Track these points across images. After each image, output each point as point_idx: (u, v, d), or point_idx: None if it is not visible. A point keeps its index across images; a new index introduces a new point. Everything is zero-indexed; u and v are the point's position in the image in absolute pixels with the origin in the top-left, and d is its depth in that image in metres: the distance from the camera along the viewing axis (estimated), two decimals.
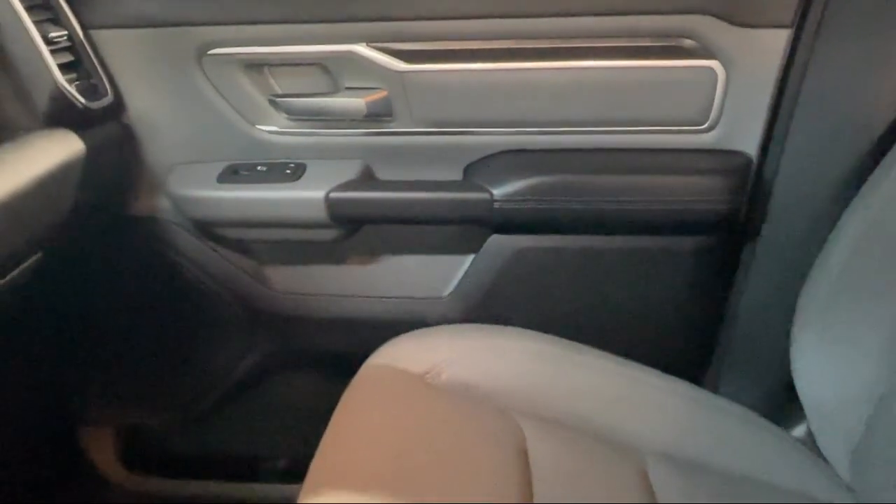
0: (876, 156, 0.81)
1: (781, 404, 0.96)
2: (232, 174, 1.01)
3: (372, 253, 1.11)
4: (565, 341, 0.93)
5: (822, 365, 0.86)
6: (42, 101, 0.83)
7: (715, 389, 1.03)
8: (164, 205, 1.05)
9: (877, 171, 0.80)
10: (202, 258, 1.09)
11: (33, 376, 1.12)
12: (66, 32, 0.88)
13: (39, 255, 0.83)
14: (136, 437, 1.25)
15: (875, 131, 0.84)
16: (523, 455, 0.77)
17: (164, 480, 1.25)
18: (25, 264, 0.79)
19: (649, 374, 0.92)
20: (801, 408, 0.89)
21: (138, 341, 1.19)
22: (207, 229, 1.06)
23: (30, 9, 0.83)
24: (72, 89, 0.86)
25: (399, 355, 0.88)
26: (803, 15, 0.86)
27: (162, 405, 1.20)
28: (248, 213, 1.02)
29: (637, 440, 0.83)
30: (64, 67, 0.86)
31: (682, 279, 1.02)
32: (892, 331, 0.77)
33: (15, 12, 0.81)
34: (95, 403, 1.21)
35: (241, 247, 1.11)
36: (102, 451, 1.22)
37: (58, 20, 0.88)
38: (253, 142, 1.02)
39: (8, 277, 0.76)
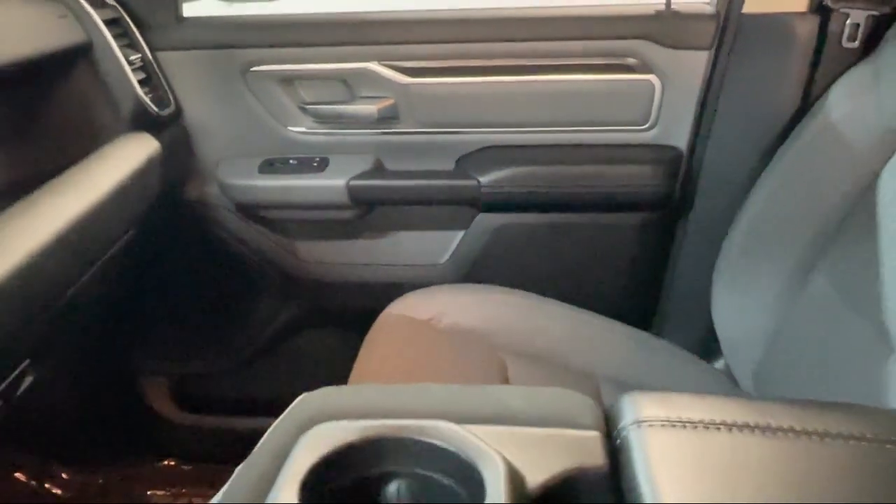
0: (776, 148, 1.01)
1: (707, 343, 1.16)
2: (269, 166, 1.18)
3: (383, 229, 1.27)
4: (537, 296, 1.11)
5: (732, 311, 1.05)
6: (127, 109, 1.01)
7: (658, 333, 1.22)
8: (213, 191, 1.21)
9: (773, 161, 1.00)
10: (243, 234, 1.25)
11: (103, 334, 1.27)
12: (140, 55, 1.06)
13: (132, 232, 1.00)
14: (187, 382, 1.39)
15: (775, 129, 1.03)
16: (505, 380, 0.97)
17: (210, 417, 1.36)
18: (123, 240, 0.97)
19: (604, 319, 1.11)
20: (719, 344, 1.09)
21: (190, 303, 1.34)
22: (248, 211, 1.23)
23: (115, 37, 1.01)
24: (147, 100, 1.03)
25: (408, 307, 1.07)
26: (720, 39, 1.06)
27: (209, 356, 1.35)
28: (282, 197, 1.19)
29: (592, 368, 1.02)
30: (140, 83, 1.04)
31: (630, 247, 1.20)
32: (783, 283, 0.97)
33: (106, 41, 0.98)
34: (153, 356, 1.36)
35: (276, 225, 1.26)
36: (158, 395, 1.36)
37: (133, 45, 1.06)
38: (286, 140, 1.19)
39: (111, 251, 0.94)
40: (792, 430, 0.44)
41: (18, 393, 0.74)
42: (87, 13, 0.96)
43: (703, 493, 0.39)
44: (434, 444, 0.42)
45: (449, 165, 1.19)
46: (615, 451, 0.44)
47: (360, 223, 1.25)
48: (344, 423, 0.43)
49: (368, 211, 1.23)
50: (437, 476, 0.42)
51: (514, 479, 0.40)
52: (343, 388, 0.50)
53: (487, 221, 1.22)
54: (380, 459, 0.42)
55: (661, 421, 0.44)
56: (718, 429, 0.44)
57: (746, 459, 0.42)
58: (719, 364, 1.14)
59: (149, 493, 1.31)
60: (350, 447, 0.41)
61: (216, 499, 0.41)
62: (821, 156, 0.94)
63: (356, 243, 1.28)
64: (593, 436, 0.45)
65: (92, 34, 0.97)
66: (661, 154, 1.14)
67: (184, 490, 1.32)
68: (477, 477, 0.39)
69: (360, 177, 1.17)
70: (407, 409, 0.46)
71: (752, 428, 0.44)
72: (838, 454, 0.43)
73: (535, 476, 0.41)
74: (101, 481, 1.32)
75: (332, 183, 1.17)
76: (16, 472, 1.23)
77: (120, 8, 1.05)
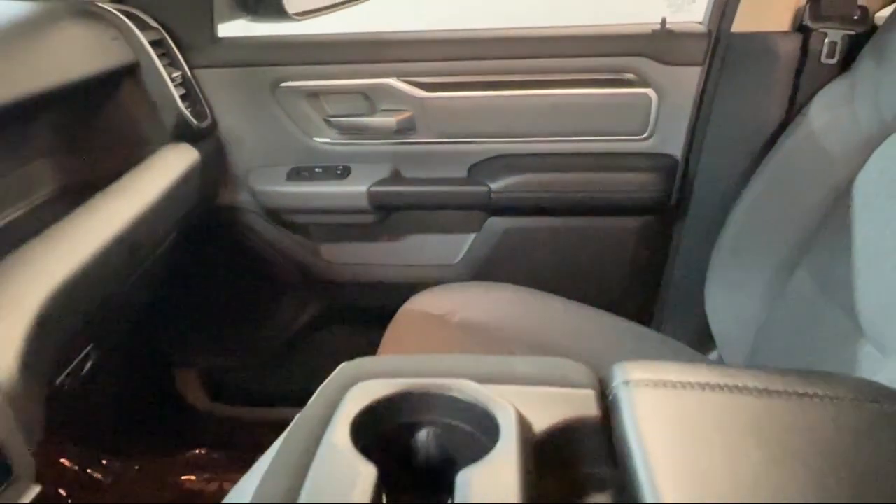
0: (763, 156, 1.08)
1: (701, 336, 1.23)
2: (296, 174, 1.27)
3: (400, 232, 1.35)
4: (543, 293, 1.19)
5: (725, 306, 1.13)
6: (170, 122, 1.10)
7: (657, 328, 1.30)
8: (244, 198, 1.30)
9: (760, 168, 1.08)
10: (271, 237, 1.33)
11: (142, 328, 1.36)
12: (180, 72, 1.15)
13: (175, 234, 1.09)
14: (218, 375, 1.47)
15: (762, 138, 1.11)
16: None
17: (239, 408, 1.45)
18: (168, 241, 1.05)
19: (605, 315, 1.18)
20: (713, 338, 1.16)
21: (221, 301, 1.41)
22: (276, 215, 1.31)
23: (159, 56, 1.10)
24: (188, 113, 1.12)
25: (424, 304, 1.15)
26: (711, 56, 1.14)
27: (238, 350, 1.43)
28: (308, 203, 1.28)
29: (594, 360, 1.10)
30: (181, 98, 1.13)
31: (630, 248, 1.28)
32: (770, 280, 1.05)
33: (152, 60, 1.07)
34: (186, 350, 1.44)
35: (301, 228, 1.35)
36: (191, 387, 1.45)
37: (174, 63, 1.15)
38: (311, 150, 1.27)
39: (159, 251, 1.02)
40: (765, 390, 0.52)
41: (83, 373, 0.83)
42: (136, 35, 1.05)
43: (681, 440, 0.47)
44: (457, 396, 0.50)
45: (462, 173, 1.27)
46: (607, 406, 0.52)
47: (379, 227, 1.33)
48: (382, 381, 0.51)
49: (387, 215, 1.31)
50: (459, 424, 0.50)
51: (524, 424, 0.48)
52: (377, 357, 0.58)
53: (497, 224, 1.30)
54: (411, 411, 0.50)
55: (647, 382, 0.52)
56: (695, 388, 0.52)
57: (720, 413, 0.50)
58: (713, 355, 1.21)
59: (182, 478, 1.39)
60: (387, 399, 0.49)
61: (278, 441, 0.50)
62: (802, 163, 1.01)
63: (375, 245, 1.36)
64: (589, 393, 0.53)
65: (139, 54, 1.06)
66: (657, 162, 1.22)
67: (214, 476, 1.40)
68: (493, 423, 0.47)
69: (379, 183, 1.25)
70: (433, 372, 0.54)
71: (725, 387, 0.52)
72: (810, 410, 0.51)
73: (541, 423, 0.49)
74: (137, 467, 1.40)
75: (353, 189, 1.25)
76: (61, 458, 1.31)
77: (162, 30, 1.14)
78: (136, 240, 0.86)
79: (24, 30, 0.86)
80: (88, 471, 1.35)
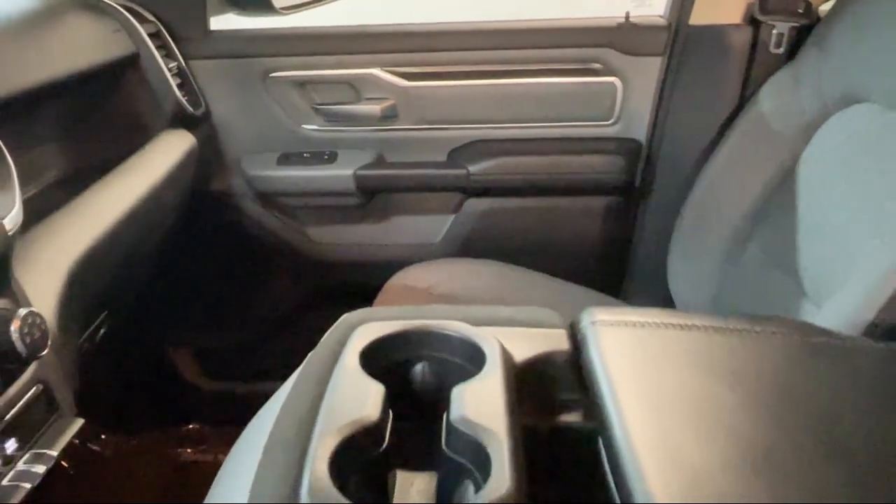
0: (719, 139, 1.16)
1: (665, 306, 1.31)
2: (285, 159, 1.33)
3: (384, 213, 1.42)
4: (518, 267, 1.26)
5: (685, 277, 1.21)
6: (168, 109, 1.16)
7: (625, 299, 1.38)
8: (236, 182, 1.36)
9: (717, 149, 1.16)
10: (263, 220, 1.39)
11: (137, 309, 1.41)
12: (175, 63, 1.21)
13: (173, 216, 1.15)
14: (212, 353, 1.52)
15: (718, 123, 1.19)
16: None
17: (232, 383, 1.50)
18: (170, 222, 1.11)
19: (575, 287, 1.26)
20: (675, 307, 1.25)
21: (215, 281, 1.47)
22: (267, 199, 1.37)
23: (156, 48, 1.16)
24: (184, 101, 1.18)
25: (409, 279, 1.23)
26: (671, 47, 1.22)
27: (231, 329, 1.48)
28: (297, 186, 1.34)
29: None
30: (177, 87, 1.19)
31: (599, 226, 1.36)
32: (725, 252, 1.13)
33: (151, 51, 1.13)
34: (182, 329, 1.49)
35: (291, 211, 1.41)
36: (186, 364, 1.50)
37: (170, 54, 1.21)
38: (300, 137, 1.34)
39: (159, 232, 1.08)
40: (713, 327, 0.60)
41: (97, 339, 0.89)
42: (136, 28, 1.11)
43: (640, 368, 0.55)
44: (449, 334, 0.57)
45: (441, 157, 1.35)
46: (577, 343, 0.60)
47: (364, 208, 1.40)
48: (384, 322, 0.59)
49: (372, 197, 1.38)
50: (451, 357, 0.57)
51: (506, 355, 0.56)
52: (375, 308, 0.66)
53: (475, 205, 1.37)
54: (410, 347, 0.58)
55: (611, 322, 0.60)
56: (653, 326, 0.60)
57: (674, 346, 0.58)
58: None
59: (178, 450, 1.45)
60: (389, 337, 0.57)
61: (294, 374, 0.57)
62: (754, 145, 1.10)
63: (361, 226, 1.42)
64: (562, 332, 0.61)
65: (139, 46, 1.12)
66: (623, 145, 1.31)
67: (209, 448, 1.46)
68: (480, 355, 0.55)
69: (364, 168, 1.32)
70: (427, 317, 0.62)
71: (679, 326, 0.61)
72: (749, 342, 0.59)
73: (520, 355, 0.57)
74: (135, 442, 1.45)
75: (340, 173, 1.32)
76: None
77: (158, 23, 1.20)
78: (145, 215, 0.92)
79: (35, 22, 0.92)
80: (89, 444, 1.41)
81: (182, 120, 1.18)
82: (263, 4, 1.31)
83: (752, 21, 1.15)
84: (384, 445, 0.48)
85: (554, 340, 0.60)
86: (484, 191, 1.35)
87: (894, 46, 0.90)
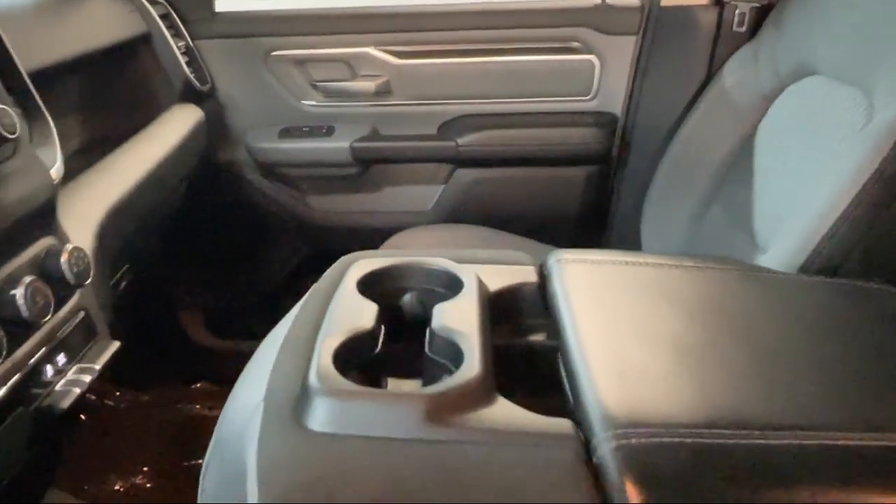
0: (688, 111, 1.24)
1: None
2: (286, 133, 1.41)
3: (379, 183, 1.50)
4: (503, 232, 1.35)
5: (656, 235, 1.29)
6: (178, 85, 1.24)
7: None
8: (240, 155, 1.44)
9: (685, 120, 1.25)
10: (266, 190, 1.48)
11: (149, 274, 1.49)
12: (184, 42, 1.29)
13: (185, 183, 1.23)
14: (219, 314, 1.60)
15: (687, 96, 1.26)
16: None
17: (240, 342, 1.57)
18: (182, 189, 1.20)
19: (556, 249, 1.35)
20: None
21: (222, 247, 1.55)
22: (269, 170, 1.46)
23: (167, 28, 1.24)
24: (192, 78, 1.27)
25: (402, 243, 1.31)
26: (644, 27, 1.31)
27: (237, 291, 1.57)
28: (297, 158, 1.43)
29: None
30: (186, 64, 1.27)
31: (578, 194, 1.45)
32: (691, 214, 1.22)
33: (162, 31, 1.22)
34: (192, 292, 1.58)
35: (292, 181, 1.49)
36: (195, 325, 1.58)
37: (178, 34, 1.29)
38: (300, 111, 1.42)
39: (171, 200, 1.17)
40: (664, 264, 0.70)
41: (119, 291, 0.97)
42: (147, 9, 1.19)
43: (596, 296, 0.64)
44: (433, 268, 0.67)
45: (432, 130, 1.43)
46: (543, 277, 0.69)
47: (360, 178, 1.48)
48: (377, 259, 0.68)
49: (367, 168, 1.46)
50: (435, 288, 0.67)
51: (481, 284, 0.65)
52: (370, 251, 0.75)
53: (463, 175, 1.46)
54: (400, 279, 0.67)
55: (574, 259, 0.70)
56: (610, 263, 0.70)
57: (627, 278, 0.67)
58: None
59: (188, 406, 1.54)
60: (382, 270, 0.66)
61: (300, 303, 0.66)
62: (718, 115, 1.19)
63: (357, 195, 1.51)
64: (530, 268, 0.70)
65: (151, 26, 1.20)
66: (600, 119, 1.39)
67: (217, 405, 1.55)
68: (459, 284, 0.64)
69: (360, 140, 1.40)
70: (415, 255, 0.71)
71: (633, 263, 0.70)
72: (694, 274, 0.68)
73: (494, 285, 0.67)
74: (146, 399, 1.55)
75: (337, 145, 1.40)
76: None
77: (167, 5, 1.28)
78: (160, 179, 1.01)
79: (60, 3, 1.00)
80: (105, 401, 1.50)
81: (190, 95, 1.27)
82: None
83: (718, 2, 1.23)
84: (377, 349, 0.57)
85: (524, 275, 0.70)
86: (471, 162, 1.44)
87: (839, 24, 0.98)
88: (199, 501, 0.57)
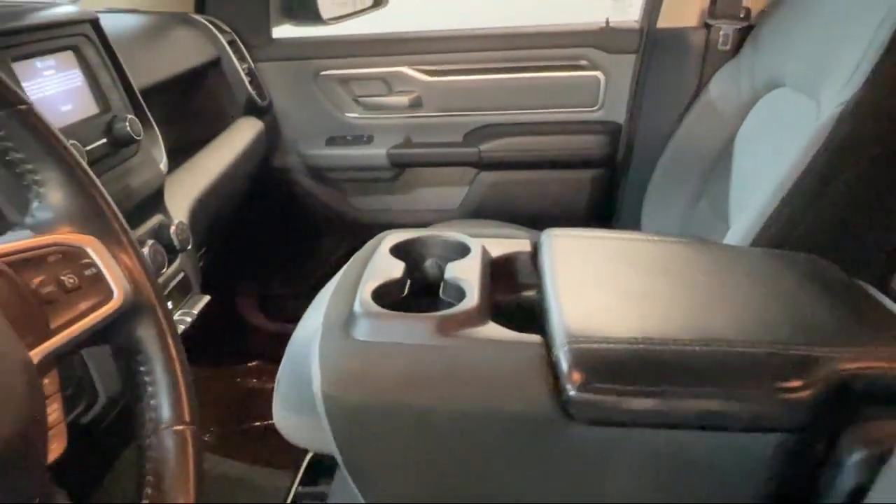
0: (680, 119, 1.40)
1: None
2: (332, 141, 1.61)
3: (412, 185, 1.68)
4: (520, 226, 1.52)
5: (654, 228, 1.47)
6: (242, 101, 1.44)
7: None
8: (292, 160, 1.63)
9: (678, 128, 1.41)
10: (313, 191, 1.67)
11: (210, 263, 1.70)
12: (246, 65, 1.51)
13: (249, 183, 1.44)
14: (272, 300, 1.80)
15: (680, 107, 1.42)
16: None
17: (289, 325, 1.78)
18: (245, 189, 1.41)
19: None
20: None
21: (275, 241, 1.75)
22: (317, 173, 1.65)
23: (233, 53, 1.46)
24: (254, 94, 1.48)
25: None
26: (643, 46, 1.48)
27: (288, 279, 1.76)
28: (341, 163, 1.62)
29: None
30: (248, 83, 1.48)
31: (587, 194, 1.61)
32: (684, 208, 1.38)
33: (230, 55, 1.43)
34: (246, 280, 1.77)
35: (336, 183, 1.68)
36: (250, 309, 1.78)
37: (242, 58, 1.50)
38: (344, 123, 1.61)
39: (241, 194, 1.38)
40: (641, 238, 0.87)
41: (200, 265, 1.18)
42: (218, 38, 1.40)
43: (577, 262, 0.82)
44: (449, 239, 0.85)
45: (458, 138, 1.61)
46: (536, 247, 0.87)
47: (395, 181, 1.67)
48: (405, 233, 0.87)
49: (402, 172, 1.65)
50: (450, 255, 0.85)
51: (485, 251, 0.83)
52: (400, 229, 0.94)
53: (486, 178, 1.64)
54: (422, 249, 0.86)
55: (563, 234, 0.88)
56: (595, 238, 0.87)
57: (607, 250, 0.84)
58: None
59: (244, 381, 1.75)
60: (409, 241, 0.85)
61: (349, 262, 0.85)
62: (705, 123, 1.35)
63: (393, 195, 1.69)
64: (526, 241, 0.89)
65: (220, 52, 1.41)
66: (606, 127, 1.56)
67: (270, 380, 1.75)
68: (468, 251, 0.83)
69: (395, 147, 1.59)
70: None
71: (615, 238, 0.88)
72: (662, 246, 0.85)
73: (495, 252, 0.85)
74: (207, 374, 1.75)
75: (376, 152, 1.59)
76: None
77: (233, 33, 1.50)
78: (231, 179, 1.22)
79: (153, 35, 1.22)
80: None
81: (252, 109, 1.47)
82: (314, 17, 1.60)
83: (705, 24, 1.40)
84: (404, 293, 0.76)
85: (520, 246, 0.88)
86: (493, 166, 1.61)
87: (801, 43, 1.14)
88: (274, 400, 0.77)
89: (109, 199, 0.45)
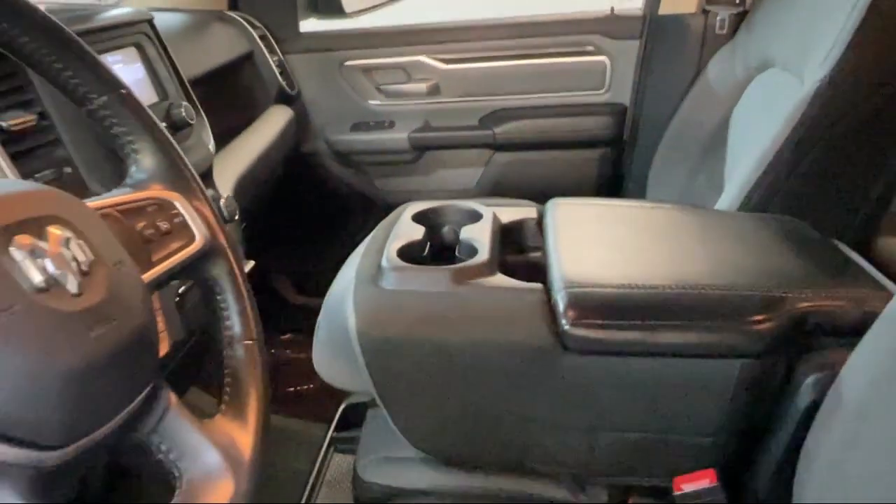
0: (681, 100, 1.49)
1: None
2: (356, 127, 1.71)
3: (432, 166, 1.78)
4: (534, 203, 1.64)
5: (659, 198, 1.56)
6: (273, 91, 1.56)
7: None
8: (320, 145, 1.74)
9: (679, 108, 1.50)
10: (340, 173, 1.78)
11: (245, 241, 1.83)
12: (277, 57, 1.62)
13: (281, 168, 1.56)
14: (303, 275, 1.91)
15: (681, 88, 1.51)
16: None
17: (319, 299, 1.91)
18: (279, 172, 1.52)
19: None
20: None
21: (305, 220, 1.86)
22: (343, 157, 1.76)
23: (265, 46, 1.57)
24: (284, 84, 1.59)
25: None
26: (647, 33, 1.57)
27: (317, 256, 1.85)
28: (365, 147, 1.72)
29: None
30: (279, 74, 1.60)
31: (595, 171, 1.70)
32: (684, 182, 1.47)
33: (261, 49, 1.54)
34: (281, 257, 1.87)
35: (361, 166, 1.79)
36: (283, 285, 1.90)
37: (272, 51, 1.62)
38: (367, 109, 1.72)
39: (275, 176, 1.50)
40: (637, 206, 0.97)
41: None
42: (251, 32, 1.52)
43: (576, 222, 0.92)
44: (464, 208, 0.96)
45: (474, 122, 1.71)
46: (542, 214, 0.98)
47: (416, 163, 1.77)
48: (424, 203, 0.98)
49: (422, 154, 1.75)
50: (465, 221, 0.96)
51: (496, 217, 0.94)
52: (419, 201, 1.04)
53: (500, 158, 1.73)
54: (440, 217, 0.97)
55: (566, 203, 0.98)
56: (597, 205, 0.98)
57: (605, 215, 0.95)
58: None
59: (279, 351, 1.87)
60: (428, 210, 0.96)
61: (376, 228, 0.96)
62: (704, 102, 1.44)
63: (414, 177, 1.80)
64: (533, 209, 0.99)
65: (253, 46, 1.53)
66: (612, 109, 1.65)
67: (303, 350, 1.87)
68: (481, 217, 0.93)
69: (415, 131, 1.69)
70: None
71: (611, 205, 0.98)
72: (654, 210, 0.96)
73: (505, 219, 0.96)
74: None
75: (397, 136, 1.70)
76: None
77: (264, 28, 1.61)
78: (266, 162, 1.33)
79: (195, 31, 1.34)
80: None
81: (282, 98, 1.59)
82: (337, 11, 1.71)
83: (704, 10, 1.49)
84: (425, 253, 0.87)
85: (528, 213, 0.99)
86: (507, 147, 1.71)
87: (789, 27, 1.23)
88: (314, 346, 0.88)
89: (189, 164, 0.57)
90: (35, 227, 0.38)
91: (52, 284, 0.37)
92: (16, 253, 0.36)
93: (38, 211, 0.39)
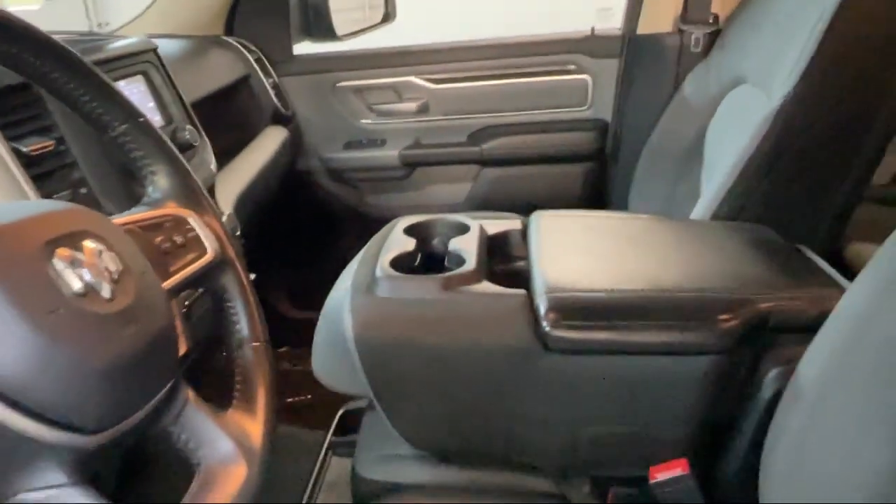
0: (660, 116, 1.56)
1: None
2: (349, 145, 1.78)
3: (422, 182, 1.84)
4: (521, 216, 1.70)
5: (641, 209, 1.62)
6: (269, 112, 1.62)
7: None
8: (313, 163, 1.80)
9: (658, 124, 1.57)
10: (333, 189, 1.83)
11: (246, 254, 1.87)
12: (272, 79, 1.68)
13: (277, 186, 1.61)
14: (297, 289, 1.95)
15: (659, 104, 1.57)
16: None
17: (314, 312, 1.96)
18: (274, 189, 1.58)
19: None
20: None
21: (299, 235, 1.91)
22: (336, 174, 1.81)
23: (260, 70, 1.63)
24: (279, 106, 1.65)
25: None
26: (626, 52, 1.64)
27: (311, 270, 1.91)
28: (358, 164, 1.78)
29: None
30: (274, 96, 1.66)
31: (579, 185, 1.76)
32: (665, 192, 1.53)
33: (257, 72, 1.60)
34: (276, 271, 1.91)
35: (353, 183, 1.84)
36: (278, 297, 1.94)
37: (267, 73, 1.68)
38: (359, 128, 1.78)
39: (271, 193, 1.55)
40: (615, 216, 1.04)
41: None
42: (247, 56, 1.58)
43: (559, 235, 0.98)
44: (453, 221, 1.02)
45: (462, 139, 1.77)
46: (526, 225, 1.04)
47: (406, 179, 1.83)
48: (415, 217, 1.03)
49: (412, 171, 1.81)
50: (453, 233, 1.02)
51: (482, 229, 1.00)
52: (411, 215, 1.10)
53: (488, 174, 1.80)
54: (430, 230, 1.03)
55: (549, 215, 1.04)
56: (578, 217, 1.04)
57: (586, 225, 1.01)
58: None
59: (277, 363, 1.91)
60: (420, 223, 1.02)
61: (370, 241, 1.02)
62: (680, 118, 1.51)
63: (405, 193, 1.86)
64: (517, 221, 1.05)
65: (249, 69, 1.59)
66: (594, 125, 1.72)
67: (300, 363, 1.92)
68: (468, 229, 0.99)
69: (406, 149, 1.76)
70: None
71: (590, 216, 1.04)
72: (643, 221, 1.02)
73: (491, 230, 1.01)
74: None
75: (388, 153, 1.76)
76: None
77: (259, 52, 1.67)
78: (263, 180, 1.39)
79: (192, 57, 1.40)
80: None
81: (278, 119, 1.65)
82: (330, 34, 1.77)
83: (680, 30, 1.56)
84: (416, 263, 0.93)
85: (512, 225, 1.05)
86: (494, 162, 1.78)
87: (759, 45, 1.30)
88: (313, 353, 0.94)
89: (200, 184, 0.63)
90: (72, 241, 0.44)
91: (89, 291, 0.43)
92: (58, 263, 0.42)
93: (74, 227, 0.45)
